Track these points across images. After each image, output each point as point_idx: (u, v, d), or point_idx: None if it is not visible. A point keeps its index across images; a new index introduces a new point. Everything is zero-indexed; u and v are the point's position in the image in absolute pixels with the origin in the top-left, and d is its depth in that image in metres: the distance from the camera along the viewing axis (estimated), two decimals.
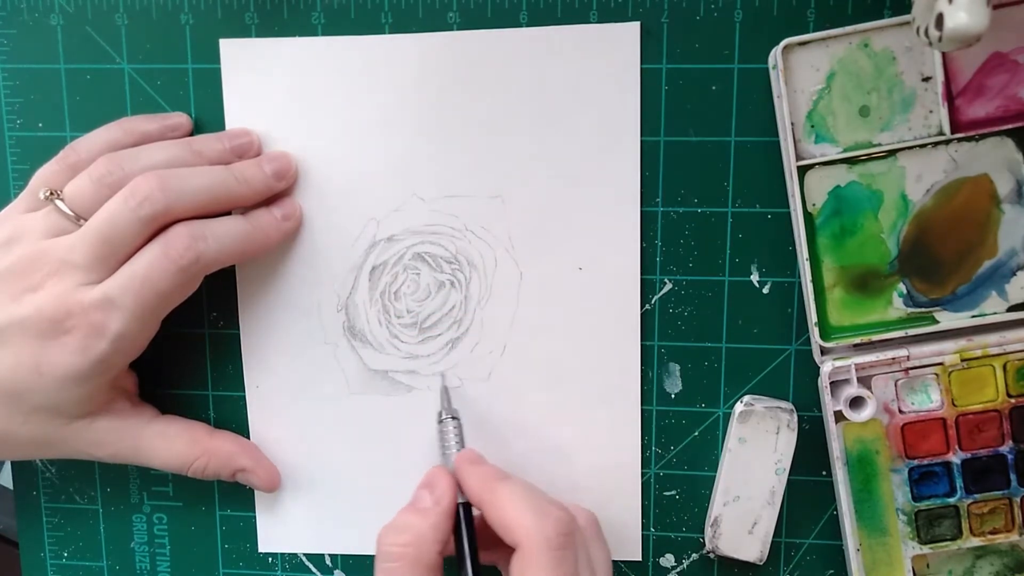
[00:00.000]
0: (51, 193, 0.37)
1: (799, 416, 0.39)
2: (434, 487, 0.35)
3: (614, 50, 0.38)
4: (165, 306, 0.36)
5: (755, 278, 0.39)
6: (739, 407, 0.39)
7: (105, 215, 0.35)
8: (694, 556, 0.41)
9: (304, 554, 0.43)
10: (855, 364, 0.37)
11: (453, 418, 0.38)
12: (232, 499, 0.43)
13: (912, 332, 0.38)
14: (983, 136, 0.36)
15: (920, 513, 0.38)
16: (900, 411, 0.38)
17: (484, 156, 0.39)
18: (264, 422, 0.42)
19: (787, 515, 0.40)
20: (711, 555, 0.40)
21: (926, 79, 0.36)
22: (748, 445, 0.38)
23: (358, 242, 0.40)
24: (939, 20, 0.29)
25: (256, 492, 0.43)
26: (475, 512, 0.36)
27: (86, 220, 0.36)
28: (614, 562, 0.41)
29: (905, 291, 0.38)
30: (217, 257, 0.36)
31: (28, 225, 0.37)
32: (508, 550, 0.33)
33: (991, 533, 0.38)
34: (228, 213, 0.39)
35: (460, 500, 0.36)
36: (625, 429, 0.40)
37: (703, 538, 0.40)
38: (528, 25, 0.38)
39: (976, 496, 0.38)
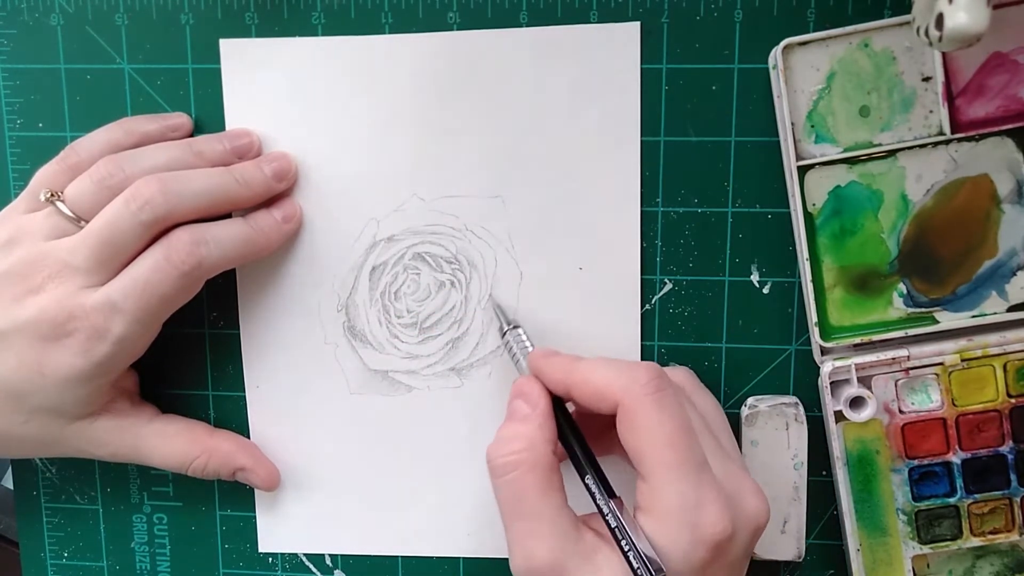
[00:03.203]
0: (52, 195, 0.37)
1: None
2: (527, 394, 0.34)
3: (614, 50, 0.38)
4: (167, 310, 0.37)
5: (755, 278, 0.39)
6: (744, 410, 0.39)
7: (106, 218, 0.35)
8: None
9: (304, 554, 0.43)
10: (855, 364, 0.37)
11: (516, 327, 0.38)
12: (232, 499, 0.43)
13: (912, 332, 0.38)
14: (983, 136, 0.36)
15: (920, 513, 0.38)
16: (900, 411, 0.38)
17: (484, 156, 0.39)
18: (264, 422, 0.42)
19: None
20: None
21: (926, 79, 0.36)
22: (761, 447, 0.38)
23: (358, 242, 0.40)
24: (939, 20, 0.29)
25: (256, 492, 0.43)
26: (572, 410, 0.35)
27: (87, 222, 0.36)
28: None
29: (905, 291, 0.38)
30: (219, 262, 0.37)
31: (29, 226, 0.37)
32: (613, 435, 0.32)
33: (991, 533, 0.38)
34: (229, 213, 0.39)
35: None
36: None
37: None
38: (528, 25, 0.38)
39: (976, 496, 0.38)
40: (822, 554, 0.41)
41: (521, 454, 0.32)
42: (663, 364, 0.40)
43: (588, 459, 0.33)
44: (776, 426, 0.38)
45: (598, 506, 0.32)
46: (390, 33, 0.39)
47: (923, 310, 0.38)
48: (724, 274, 0.39)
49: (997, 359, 0.37)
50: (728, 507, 0.31)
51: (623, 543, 0.30)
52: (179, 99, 0.40)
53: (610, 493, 0.32)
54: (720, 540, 0.30)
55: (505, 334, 0.38)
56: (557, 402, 0.35)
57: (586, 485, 0.32)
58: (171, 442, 0.39)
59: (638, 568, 0.30)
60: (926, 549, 0.38)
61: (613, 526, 0.31)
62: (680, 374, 0.37)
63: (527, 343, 0.37)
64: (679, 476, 0.30)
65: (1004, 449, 0.38)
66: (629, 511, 0.32)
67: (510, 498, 0.32)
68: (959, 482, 0.38)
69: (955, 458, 0.38)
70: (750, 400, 0.39)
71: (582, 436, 0.34)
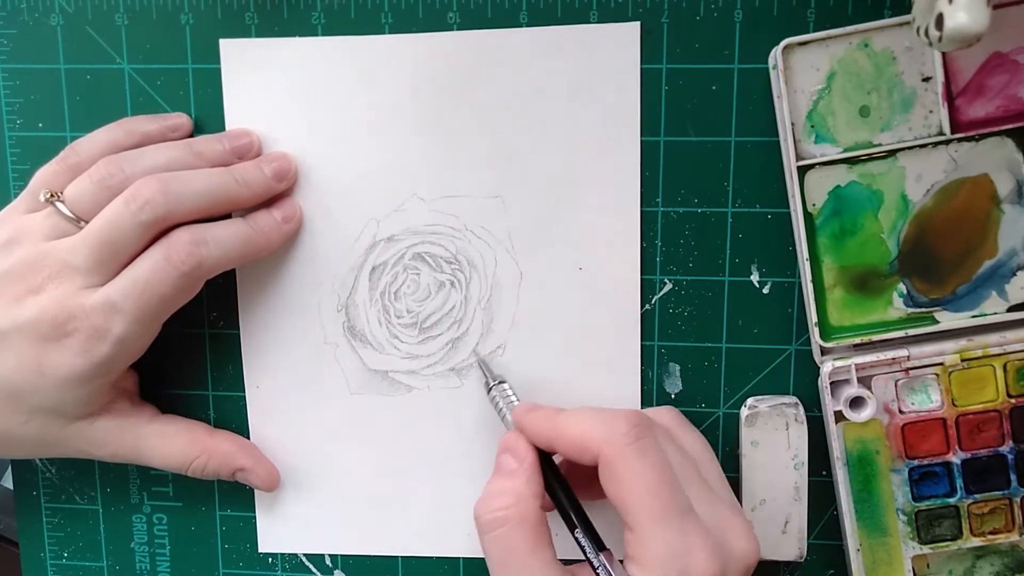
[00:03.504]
0: (52, 195, 0.37)
1: None
2: (514, 449, 0.35)
3: (614, 50, 0.38)
4: (167, 310, 0.37)
5: (755, 278, 0.39)
6: (744, 411, 0.39)
7: (106, 218, 0.35)
8: None
9: (304, 554, 0.43)
10: (855, 364, 0.37)
11: (501, 382, 0.38)
12: (232, 499, 0.43)
13: (912, 332, 0.38)
14: (983, 136, 0.36)
15: (920, 513, 0.38)
16: (900, 411, 0.38)
17: (484, 156, 0.39)
18: (264, 422, 0.42)
19: None
20: None
21: (926, 79, 0.36)
22: (761, 447, 0.38)
23: (358, 242, 0.40)
24: (939, 20, 0.29)
25: (256, 492, 0.43)
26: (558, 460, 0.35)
27: (87, 222, 0.36)
28: None
29: (905, 291, 0.38)
30: (219, 262, 0.37)
31: (29, 227, 0.37)
32: (598, 484, 0.32)
33: (991, 533, 0.38)
34: (229, 214, 0.39)
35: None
36: None
37: None
38: (528, 25, 0.38)
39: (976, 496, 0.38)
40: (822, 554, 0.41)
41: (509, 510, 0.32)
42: (662, 364, 0.40)
43: (577, 513, 0.33)
44: (776, 426, 0.38)
45: (589, 560, 0.32)
46: (390, 33, 0.39)
47: (923, 310, 0.38)
48: (724, 274, 0.39)
49: (997, 359, 0.37)
50: (716, 551, 0.31)
51: None
52: (179, 99, 0.40)
53: (600, 546, 0.32)
54: None
55: (491, 390, 0.38)
56: (544, 455, 0.35)
57: (576, 539, 0.33)
58: (171, 442, 0.39)
59: None
60: (926, 549, 0.38)
61: None
62: (665, 415, 0.37)
63: (512, 397, 0.38)
64: (664, 525, 0.30)
65: (1004, 449, 0.38)
66: (618, 562, 0.32)
67: (499, 554, 0.32)
68: (959, 482, 0.38)
69: (955, 458, 0.38)
70: (750, 400, 0.39)
71: (570, 489, 0.34)
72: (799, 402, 0.38)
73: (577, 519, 0.33)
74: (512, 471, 0.34)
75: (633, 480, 0.31)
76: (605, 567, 0.32)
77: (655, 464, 0.31)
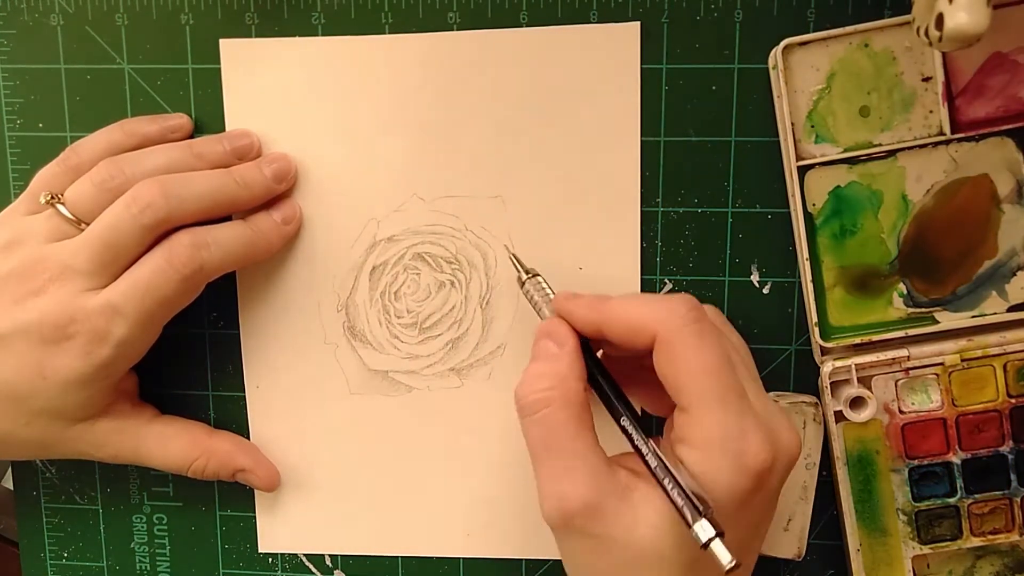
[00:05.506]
0: (52, 197, 0.37)
1: None
2: (554, 333, 0.33)
3: (614, 50, 0.38)
4: (168, 312, 0.37)
5: (755, 278, 0.39)
6: None
7: (107, 221, 0.35)
8: None
9: (304, 554, 0.43)
10: (855, 364, 0.37)
11: (535, 275, 0.37)
12: (232, 499, 0.43)
13: (912, 332, 0.38)
14: (983, 136, 0.36)
15: (920, 513, 0.38)
16: (900, 411, 0.38)
17: (484, 156, 0.39)
18: (264, 422, 0.42)
19: None
20: None
21: (926, 79, 0.36)
22: None
23: (358, 242, 0.40)
24: (939, 20, 0.29)
25: (256, 492, 0.43)
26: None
27: (87, 224, 0.36)
28: None
29: (905, 291, 0.38)
30: (220, 265, 0.37)
31: (29, 229, 0.37)
32: (633, 383, 0.31)
33: (991, 533, 0.38)
34: (229, 215, 0.39)
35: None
36: None
37: None
38: (528, 25, 0.38)
39: (976, 496, 0.38)
40: (822, 554, 0.41)
41: (552, 391, 0.32)
42: None
43: (622, 401, 0.33)
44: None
45: (636, 447, 0.31)
46: (390, 33, 0.39)
47: (923, 310, 0.38)
48: (724, 274, 0.39)
49: (997, 359, 0.37)
50: (769, 438, 0.30)
51: (666, 481, 0.30)
52: (179, 99, 0.40)
53: (647, 433, 0.31)
54: (762, 469, 0.30)
55: (524, 283, 0.37)
56: (585, 346, 0.34)
57: (622, 427, 0.32)
58: (171, 444, 0.39)
59: (683, 506, 0.29)
60: (926, 549, 0.38)
61: (654, 466, 0.30)
62: (710, 313, 0.36)
63: (548, 290, 0.36)
64: (722, 405, 0.30)
65: (1004, 449, 0.38)
66: (665, 449, 0.31)
67: (541, 437, 0.32)
68: (959, 482, 0.38)
69: (955, 458, 0.38)
70: (771, 395, 0.39)
71: (613, 379, 0.33)
72: (818, 402, 0.38)
73: (622, 407, 0.32)
74: (554, 355, 0.33)
75: (691, 360, 0.30)
76: (655, 452, 0.30)
77: (714, 345, 0.31)
